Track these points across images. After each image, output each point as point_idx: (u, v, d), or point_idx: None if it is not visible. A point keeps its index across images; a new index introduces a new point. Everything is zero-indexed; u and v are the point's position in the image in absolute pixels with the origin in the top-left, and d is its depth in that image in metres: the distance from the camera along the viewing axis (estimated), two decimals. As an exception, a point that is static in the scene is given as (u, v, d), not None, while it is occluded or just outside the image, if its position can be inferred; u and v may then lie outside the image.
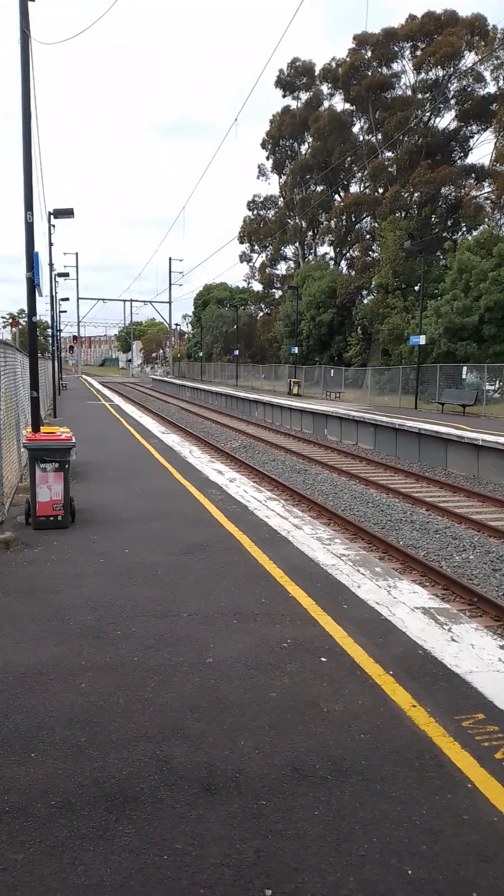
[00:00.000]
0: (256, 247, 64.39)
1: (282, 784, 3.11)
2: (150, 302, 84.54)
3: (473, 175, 44.72)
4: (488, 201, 41.85)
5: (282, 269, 64.32)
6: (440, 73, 43.98)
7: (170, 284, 79.64)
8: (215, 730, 3.55)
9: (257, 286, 67.78)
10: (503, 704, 3.82)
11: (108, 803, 2.96)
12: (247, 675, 4.17)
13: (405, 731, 3.56)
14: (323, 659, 4.41)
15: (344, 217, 52.89)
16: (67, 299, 60.84)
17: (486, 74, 41.71)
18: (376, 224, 47.26)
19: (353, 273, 49.15)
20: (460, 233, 42.76)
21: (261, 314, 67.38)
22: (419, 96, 45.52)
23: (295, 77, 55.78)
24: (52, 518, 7.81)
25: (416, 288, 34.44)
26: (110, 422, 22.46)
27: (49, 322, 40.94)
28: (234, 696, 3.90)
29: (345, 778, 3.16)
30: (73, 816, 2.88)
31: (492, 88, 42.02)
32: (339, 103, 52.41)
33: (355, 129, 52.23)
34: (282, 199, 60.67)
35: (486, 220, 40.31)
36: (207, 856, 2.65)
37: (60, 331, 52.81)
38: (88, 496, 9.57)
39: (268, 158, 60.49)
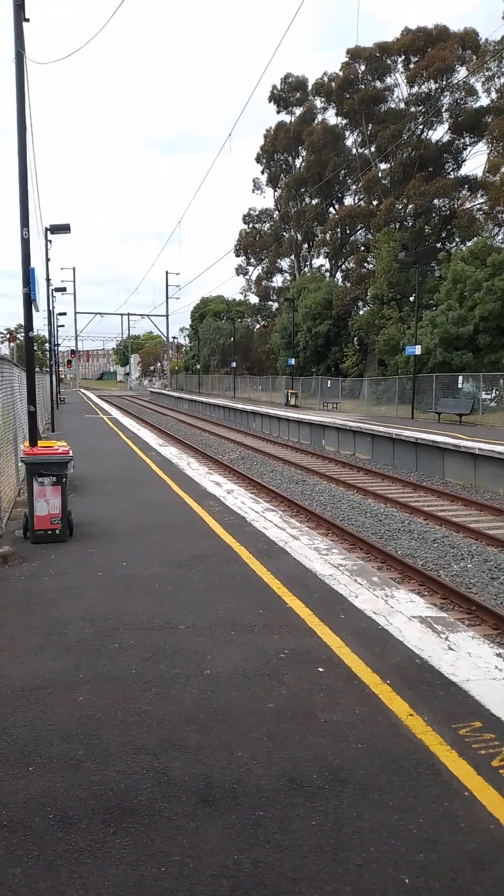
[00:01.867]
0: (252, 259, 64.75)
1: (279, 795, 3.11)
2: (148, 315, 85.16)
3: (466, 186, 45.05)
4: (481, 212, 42.12)
5: (278, 281, 64.74)
6: (433, 86, 44.40)
7: (167, 298, 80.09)
8: (213, 741, 3.56)
9: (254, 299, 68.12)
10: (500, 712, 3.83)
11: (106, 816, 2.96)
12: (244, 686, 4.18)
13: (402, 740, 3.57)
14: (320, 669, 4.41)
15: (339, 229, 53.21)
16: (65, 314, 61.18)
17: (478, 86, 42.12)
18: (371, 236, 47.58)
19: (348, 284, 49.40)
20: (454, 243, 43.03)
21: (257, 326, 67.64)
22: (412, 109, 45.91)
23: (288, 92, 56.33)
24: (49, 532, 7.82)
25: (412, 298, 34.65)
26: (108, 435, 22.49)
27: (47, 336, 41.06)
28: (232, 708, 3.91)
29: (342, 788, 3.16)
30: (70, 830, 2.88)
31: (484, 101, 42.44)
32: (332, 117, 52.92)
33: (349, 142, 52.67)
34: (277, 212, 61.09)
35: (480, 230, 40.56)
36: (205, 867, 2.66)
37: (58, 345, 52.95)
38: (86, 509, 9.58)
39: (263, 172, 61.03)
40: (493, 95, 38.64)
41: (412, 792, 3.13)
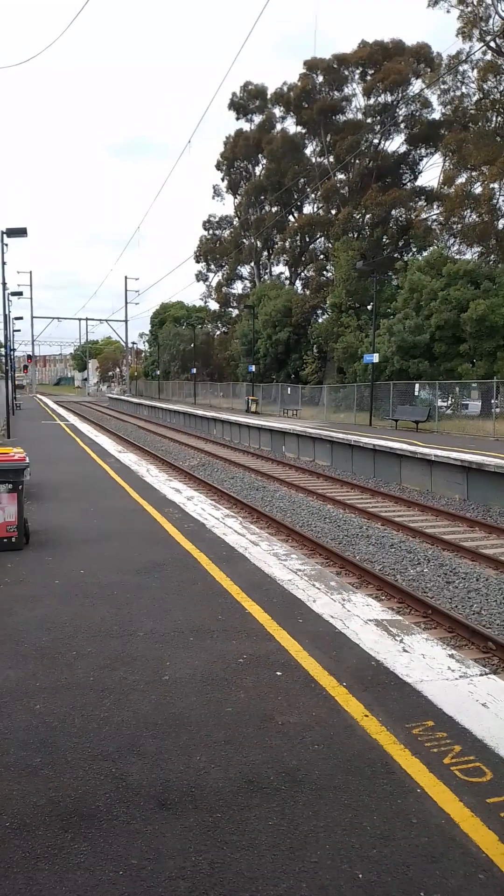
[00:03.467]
0: (213, 266, 64.89)
1: (237, 797, 3.15)
2: (106, 321, 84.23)
3: (423, 197, 45.99)
4: (437, 223, 43.02)
5: (238, 288, 64.99)
6: (389, 98, 45.28)
7: (126, 303, 79.54)
8: (171, 746, 3.58)
9: (214, 305, 68.27)
10: (452, 712, 3.94)
11: (64, 822, 2.97)
12: (203, 691, 4.21)
13: (357, 740, 3.65)
14: (278, 673, 4.47)
15: (298, 237, 53.77)
16: (21, 318, 60.29)
17: (433, 99, 43.11)
18: (329, 244, 48.16)
19: (307, 292, 49.90)
20: (411, 253, 43.81)
21: (218, 333, 67.74)
22: (369, 120, 46.70)
23: (248, 100, 56.69)
24: (5, 540, 7.72)
25: (369, 307, 35.15)
26: (66, 441, 22.26)
27: (2, 341, 40.45)
28: (191, 713, 3.94)
29: (298, 788, 3.22)
30: (27, 837, 2.87)
31: (438, 114, 43.42)
32: (291, 126, 53.52)
33: (308, 151, 53.35)
34: (237, 219, 61.38)
35: (436, 241, 41.42)
36: (163, 870, 2.68)
37: (14, 350, 52.17)
38: (43, 517, 9.48)
39: (223, 179, 61.26)
40: (447, 109, 39.56)
41: (366, 790, 3.21)
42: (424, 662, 4.65)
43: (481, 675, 4.49)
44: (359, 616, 5.60)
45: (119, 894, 2.56)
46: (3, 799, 3.13)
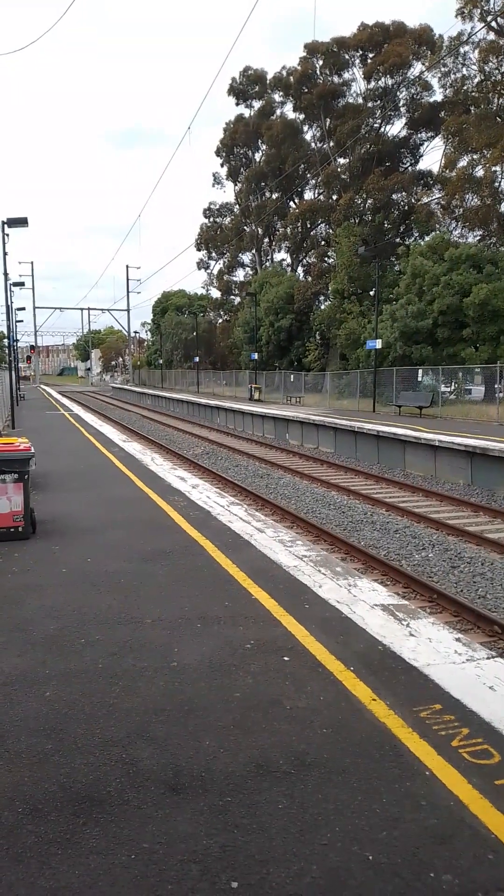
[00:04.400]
0: (214, 254, 64.54)
1: (246, 781, 3.18)
2: (108, 310, 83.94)
3: (424, 181, 45.63)
4: (439, 206, 42.72)
5: (239, 275, 64.63)
6: (389, 81, 44.82)
7: (127, 292, 79.33)
8: (180, 731, 3.61)
9: (216, 293, 67.94)
10: (459, 694, 3.96)
11: (76, 808, 2.99)
12: (211, 676, 4.24)
13: (365, 724, 3.67)
14: (286, 658, 4.49)
15: (299, 224, 53.42)
16: (24, 309, 60.21)
17: (434, 82, 42.67)
18: (331, 230, 47.88)
19: (309, 279, 49.64)
20: (413, 238, 43.54)
21: (220, 321, 67.48)
22: (370, 104, 46.28)
23: (247, 85, 56.16)
24: (12, 529, 7.75)
25: (372, 293, 34.97)
26: (70, 431, 22.27)
27: (5, 332, 40.42)
28: (199, 698, 3.96)
29: (307, 772, 3.24)
30: (40, 822, 2.90)
31: (439, 97, 43.01)
32: (291, 111, 53.04)
33: (308, 136, 52.88)
34: (237, 206, 60.95)
35: (438, 225, 41.15)
36: (174, 853, 2.71)
37: (17, 341, 52.13)
38: (49, 507, 9.51)
39: (222, 166, 60.77)
40: (448, 92, 39.14)
41: (375, 773, 3.23)
42: (431, 646, 4.66)
43: (488, 658, 4.50)
44: (365, 601, 5.61)
45: (132, 877, 2.58)
46: (16, 785, 3.16)
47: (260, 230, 58.22)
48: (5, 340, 50.55)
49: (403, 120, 46.25)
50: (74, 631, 5.00)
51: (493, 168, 35.56)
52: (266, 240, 59.87)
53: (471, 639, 5.32)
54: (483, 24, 34.66)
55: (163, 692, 4.04)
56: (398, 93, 44.61)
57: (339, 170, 47.45)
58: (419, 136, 46.86)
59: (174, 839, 2.79)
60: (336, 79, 48.17)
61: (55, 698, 3.98)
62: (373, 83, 45.73)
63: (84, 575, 6.41)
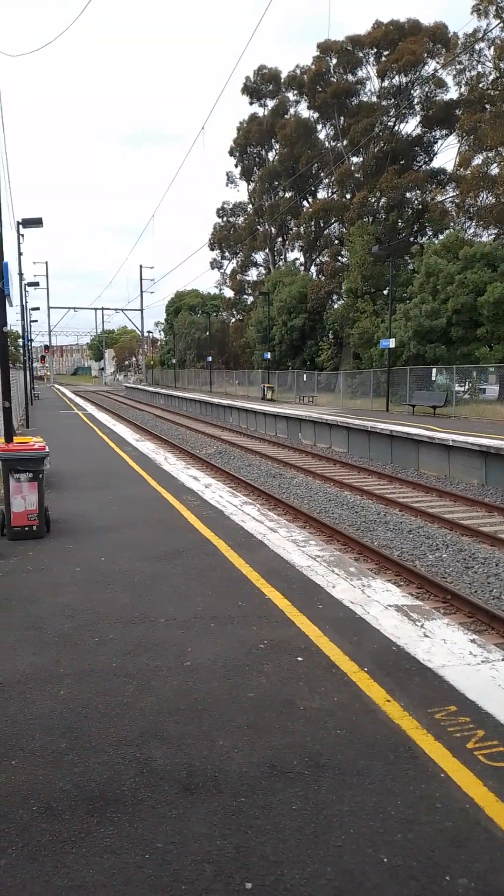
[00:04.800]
0: (227, 253, 64.56)
1: (260, 781, 3.17)
2: (122, 310, 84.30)
3: (439, 180, 45.39)
4: (453, 205, 42.47)
5: (252, 275, 64.59)
6: (403, 80, 44.62)
7: (141, 292, 79.61)
8: (194, 731, 3.61)
9: (229, 292, 67.97)
10: (474, 696, 3.93)
11: (90, 806, 3.00)
12: (224, 676, 4.23)
13: (380, 725, 3.65)
14: (299, 658, 4.48)
15: (312, 223, 53.28)
16: (38, 308, 60.37)
17: (449, 80, 42.39)
18: (344, 229, 47.74)
19: (322, 278, 49.53)
20: (427, 237, 43.31)
21: (233, 320, 67.50)
22: (384, 103, 46.09)
23: (261, 84, 56.14)
24: (26, 528, 7.79)
25: (385, 292, 34.87)
26: (84, 431, 22.36)
27: (20, 332, 40.66)
28: (213, 698, 3.96)
29: (322, 773, 3.23)
30: (54, 821, 2.91)
31: (454, 94, 42.74)
32: (304, 110, 52.96)
33: (321, 135, 52.76)
34: (251, 205, 60.93)
35: (452, 223, 40.91)
36: (188, 853, 2.71)
37: (32, 340, 52.41)
38: (63, 505, 9.55)
39: (236, 166, 60.78)
40: (463, 89, 38.89)
41: (390, 775, 3.21)
42: (446, 647, 4.63)
43: (503, 660, 4.47)
44: (378, 601, 5.59)
45: (146, 877, 2.58)
46: (30, 783, 3.17)
47: (273, 229, 58.16)
48: (20, 340, 50.80)
49: (417, 118, 46.04)
50: (88, 630, 5.02)
51: (508, 166, 35.30)
52: (279, 239, 59.80)
53: (486, 640, 5.28)
54: (499, 21, 34.41)
55: (176, 691, 4.04)
56: (412, 91, 44.40)
57: (352, 168, 47.30)
58: (433, 134, 46.58)
59: (188, 839, 2.79)
60: (350, 77, 48.03)
61: (69, 697, 3.99)
62: (387, 81, 45.56)
63: (98, 573, 6.42)
